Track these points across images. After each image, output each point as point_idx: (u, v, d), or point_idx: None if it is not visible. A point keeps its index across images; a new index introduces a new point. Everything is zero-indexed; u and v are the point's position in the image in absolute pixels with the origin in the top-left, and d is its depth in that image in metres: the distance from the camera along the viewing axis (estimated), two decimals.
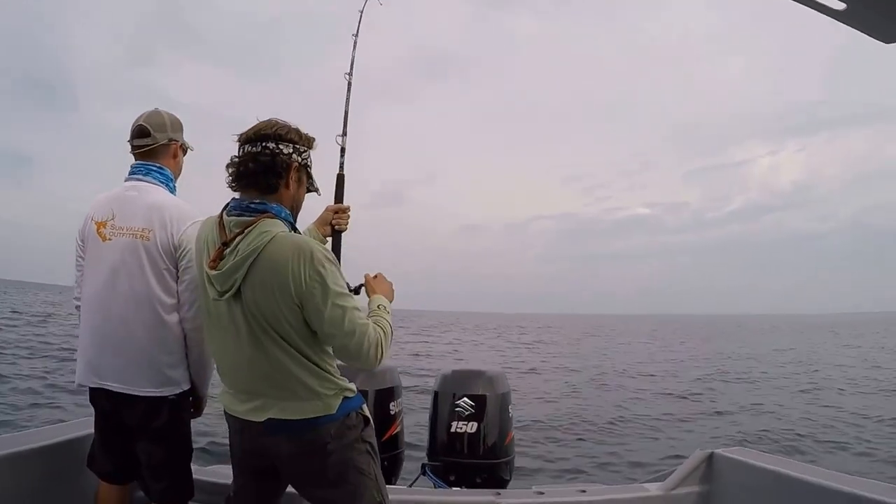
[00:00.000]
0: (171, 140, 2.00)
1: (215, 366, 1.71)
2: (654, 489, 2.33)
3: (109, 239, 1.89)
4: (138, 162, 1.99)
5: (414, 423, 3.36)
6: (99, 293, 1.90)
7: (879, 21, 1.11)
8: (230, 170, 1.58)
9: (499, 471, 2.54)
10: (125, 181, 1.98)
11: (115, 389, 1.86)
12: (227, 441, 1.76)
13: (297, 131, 1.62)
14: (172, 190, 2.00)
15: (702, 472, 2.34)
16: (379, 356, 1.57)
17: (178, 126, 2.03)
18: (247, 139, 1.56)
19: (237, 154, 1.58)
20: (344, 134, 1.99)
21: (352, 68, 2.07)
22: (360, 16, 2.11)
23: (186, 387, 1.94)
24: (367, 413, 1.67)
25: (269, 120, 1.60)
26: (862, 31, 1.14)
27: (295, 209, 1.66)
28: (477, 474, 2.49)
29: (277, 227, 1.52)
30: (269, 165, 1.55)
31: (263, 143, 1.55)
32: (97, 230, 1.92)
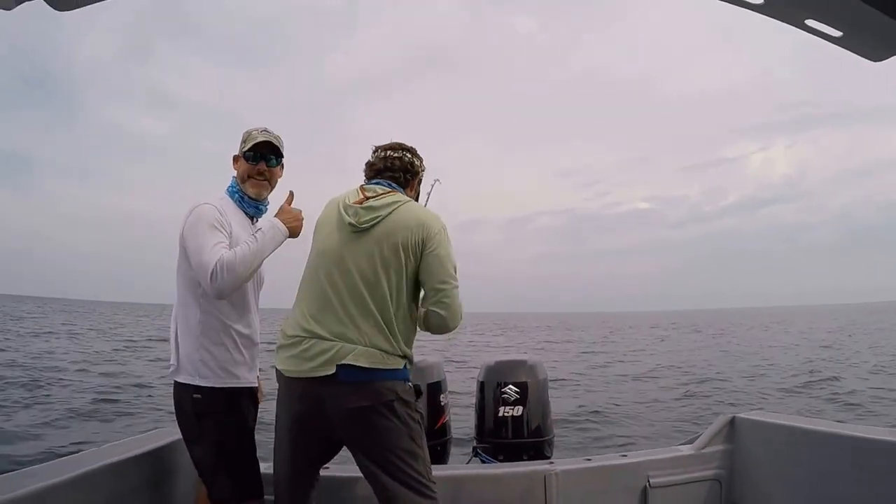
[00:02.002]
0: (235, 156, 2.16)
1: (299, 308, 1.87)
2: (685, 450, 2.60)
3: None
4: None
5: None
6: None
7: (870, 45, 1.34)
8: (372, 166, 2.02)
9: (542, 448, 2.81)
10: None
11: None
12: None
13: (421, 157, 2.08)
14: (231, 193, 2.12)
15: (725, 433, 2.61)
16: (462, 318, 1.92)
17: (241, 144, 2.16)
18: (389, 147, 2.03)
19: (379, 155, 2.02)
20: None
21: None
22: (427, 198, 2.31)
23: (209, 383, 1.94)
24: (415, 387, 1.86)
25: (403, 143, 2.06)
26: (855, 53, 1.38)
27: None
28: (524, 451, 2.75)
29: None
30: (408, 168, 2.01)
31: (403, 152, 2.02)
32: None
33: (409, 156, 2.01)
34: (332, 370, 1.72)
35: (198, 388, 1.94)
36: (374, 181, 1.97)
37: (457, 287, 1.88)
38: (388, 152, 2.00)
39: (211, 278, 1.85)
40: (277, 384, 1.89)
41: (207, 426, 1.95)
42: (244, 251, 1.91)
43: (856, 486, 2.06)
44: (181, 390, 1.97)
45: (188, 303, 2.00)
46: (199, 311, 1.97)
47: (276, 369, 1.87)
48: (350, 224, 1.83)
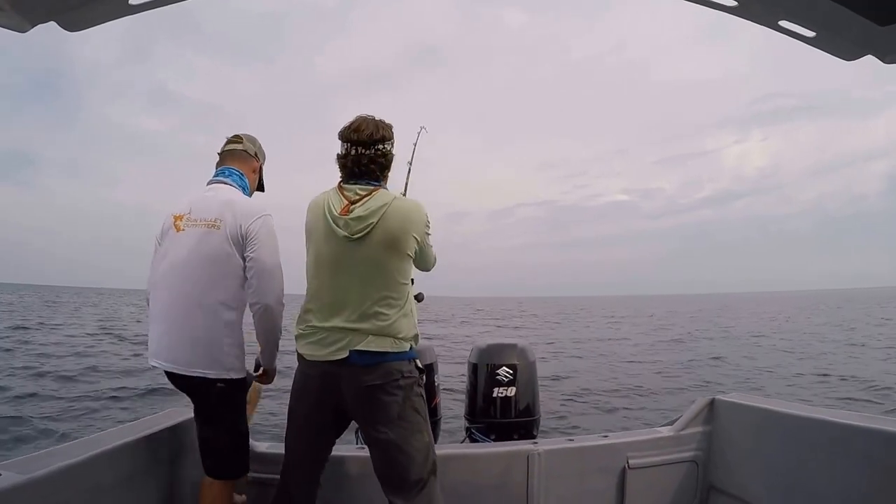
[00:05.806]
0: (255, 154, 2.23)
1: (311, 307, 1.96)
2: (665, 431, 2.67)
3: (183, 229, 2.05)
4: (223, 165, 2.18)
5: None
6: (167, 275, 2.04)
7: (842, 45, 1.41)
8: (345, 165, 1.98)
9: (531, 428, 2.91)
10: (207, 184, 2.16)
11: (167, 369, 2.02)
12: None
13: (390, 126, 2.02)
14: (246, 196, 2.19)
15: (704, 415, 2.69)
16: (436, 261, 2.12)
17: (262, 152, 2.27)
18: (360, 142, 1.95)
19: (349, 151, 1.96)
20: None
21: (406, 188, 2.47)
22: (414, 148, 2.42)
23: (239, 375, 2.06)
24: (420, 365, 2.01)
25: (371, 121, 1.98)
26: (828, 53, 1.44)
27: None
28: (514, 431, 2.85)
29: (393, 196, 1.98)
30: (384, 164, 2.00)
31: (376, 147, 1.96)
32: (174, 222, 2.08)
33: (382, 146, 1.96)
34: (346, 354, 1.88)
35: (240, 381, 2.08)
36: (353, 180, 1.97)
37: (431, 246, 2.05)
38: (360, 149, 1.94)
39: (277, 303, 2.06)
40: (298, 366, 2.02)
41: (227, 414, 2.09)
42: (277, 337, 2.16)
43: (828, 468, 2.12)
44: (204, 383, 2.02)
45: (230, 296, 2.03)
46: (237, 313, 2.06)
47: (298, 353, 2.00)
48: (345, 237, 1.89)
